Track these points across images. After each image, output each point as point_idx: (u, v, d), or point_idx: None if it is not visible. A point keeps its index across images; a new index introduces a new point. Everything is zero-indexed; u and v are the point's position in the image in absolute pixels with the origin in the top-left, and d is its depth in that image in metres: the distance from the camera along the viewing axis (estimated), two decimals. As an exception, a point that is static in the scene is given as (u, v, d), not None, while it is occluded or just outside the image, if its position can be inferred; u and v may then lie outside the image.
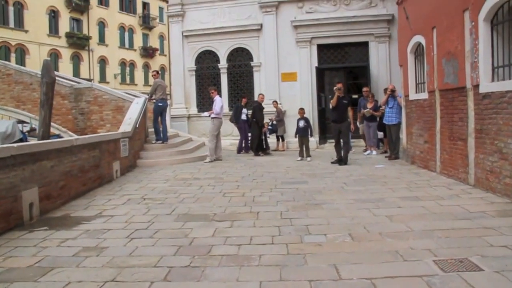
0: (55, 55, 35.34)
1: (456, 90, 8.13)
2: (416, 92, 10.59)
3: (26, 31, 33.37)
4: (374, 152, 13.06)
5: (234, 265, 3.95)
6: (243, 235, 4.88)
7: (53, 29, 36.04)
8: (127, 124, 10.66)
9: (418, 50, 10.55)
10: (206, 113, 12.76)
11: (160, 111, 12.22)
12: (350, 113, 11.64)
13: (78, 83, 13.99)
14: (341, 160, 10.87)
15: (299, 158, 12.11)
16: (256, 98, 15.08)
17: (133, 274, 3.77)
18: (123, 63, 42.95)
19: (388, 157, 11.90)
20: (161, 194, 7.46)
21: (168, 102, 16.87)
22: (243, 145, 14.60)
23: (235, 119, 14.33)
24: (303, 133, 12.25)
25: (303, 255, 4.17)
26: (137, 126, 11.02)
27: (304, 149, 12.20)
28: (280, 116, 15.44)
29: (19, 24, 33.26)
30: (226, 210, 6.17)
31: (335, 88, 11.06)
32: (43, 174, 6.06)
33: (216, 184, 8.36)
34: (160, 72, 13.38)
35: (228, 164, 11.37)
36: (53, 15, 36.21)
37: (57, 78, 11.49)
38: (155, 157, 11.50)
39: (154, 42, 47.71)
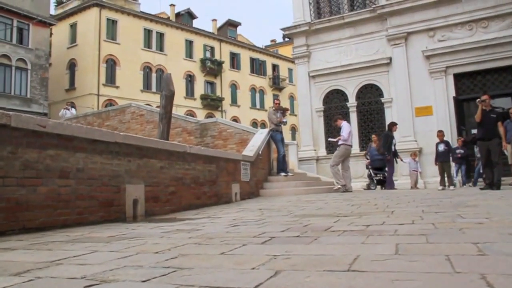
0: (190, 116, 37.31)
1: None
2: None
3: (166, 96, 35.89)
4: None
5: (359, 235, 2.91)
6: (374, 221, 3.81)
7: (189, 92, 38.50)
8: (249, 150, 10.17)
9: None
10: (333, 139, 11.78)
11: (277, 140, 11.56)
12: (500, 129, 9.86)
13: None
14: (493, 184, 9.13)
15: (441, 188, 10.53)
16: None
17: (222, 240, 2.92)
18: (254, 123, 44.05)
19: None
20: (280, 207, 6.60)
21: (295, 142, 16.35)
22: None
23: (387, 150, 12.56)
24: (444, 158, 10.70)
25: (458, 229, 3.00)
26: (260, 153, 10.46)
27: (446, 176, 10.57)
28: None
29: (159, 88, 35.93)
30: (354, 212, 5.10)
31: (478, 100, 9.56)
32: (150, 173, 5.59)
33: (345, 201, 7.30)
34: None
35: (359, 193, 10.20)
36: (190, 79, 38.79)
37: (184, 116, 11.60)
38: (279, 187, 10.77)
39: (284, 102, 48.49)
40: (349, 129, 11.36)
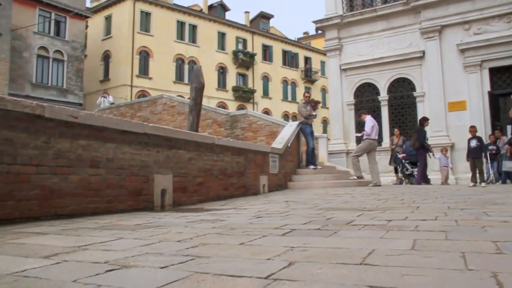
0: (222, 107, 37.56)
1: None
2: None
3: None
4: None
5: (379, 230, 2.94)
6: (397, 217, 3.81)
7: (221, 84, 38.80)
8: (279, 142, 10.24)
9: None
10: (359, 133, 11.81)
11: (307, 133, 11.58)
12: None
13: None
14: (530, 183, 8.94)
15: (471, 184, 10.30)
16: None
17: (244, 231, 2.99)
18: (285, 115, 44.01)
19: None
20: (306, 200, 6.64)
21: (325, 135, 16.26)
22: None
23: (423, 143, 12.35)
24: (475, 154, 10.49)
25: (481, 226, 2.99)
26: (289, 146, 10.51)
27: (478, 173, 10.38)
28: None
29: (190, 80, 36.30)
30: (379, 206, 5.10)
31: (512, 97, 9.36)
32: (179, 164, 5.71)
33: (372, 195, 7.28)
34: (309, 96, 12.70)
35: (388, 188, 10.14)
36: (222, 71, 39.09)
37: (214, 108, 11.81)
38: (308, 180, 10.80)
39: (316, 95, 48.23)
40: (372, 123, 11.30)
